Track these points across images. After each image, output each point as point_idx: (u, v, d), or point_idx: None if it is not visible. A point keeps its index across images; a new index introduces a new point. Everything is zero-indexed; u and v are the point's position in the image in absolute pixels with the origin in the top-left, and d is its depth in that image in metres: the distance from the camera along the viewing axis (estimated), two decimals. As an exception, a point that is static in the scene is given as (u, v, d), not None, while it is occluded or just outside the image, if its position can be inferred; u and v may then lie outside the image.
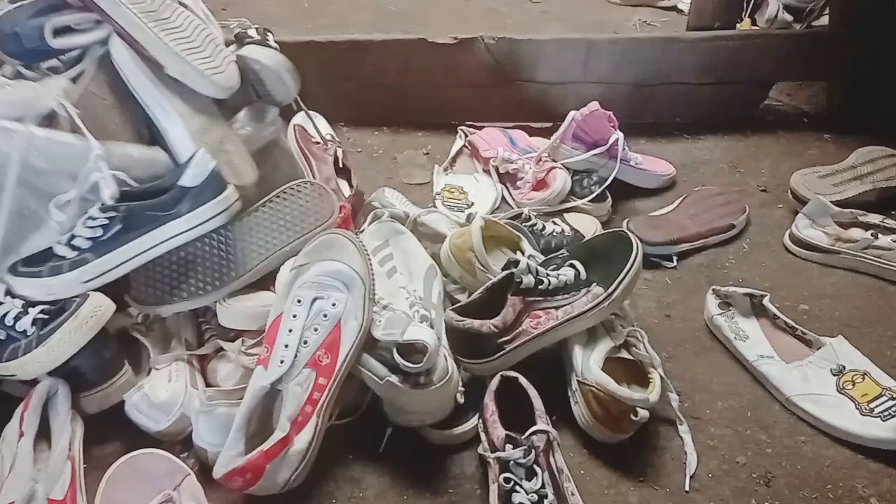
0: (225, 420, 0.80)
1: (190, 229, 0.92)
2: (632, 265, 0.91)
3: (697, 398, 0.97)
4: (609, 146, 1.29)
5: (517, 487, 0.75)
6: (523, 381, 0.86)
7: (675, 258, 1.22)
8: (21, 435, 0.80)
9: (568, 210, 1.26)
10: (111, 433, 0.88)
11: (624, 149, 1.31)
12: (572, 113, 1.29)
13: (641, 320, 1.09)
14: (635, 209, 1.34)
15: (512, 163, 1.33)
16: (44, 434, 0.82)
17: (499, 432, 0.80)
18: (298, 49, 1.42)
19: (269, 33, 1.15)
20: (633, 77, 1.53)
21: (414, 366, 0.80)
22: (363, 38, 1.53)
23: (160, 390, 0.84)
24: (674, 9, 2.28)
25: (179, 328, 0.94)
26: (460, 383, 0.89)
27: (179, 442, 0.86)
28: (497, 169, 1.34)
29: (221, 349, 0.90)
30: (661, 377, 0.90)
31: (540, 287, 0.91)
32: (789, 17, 1.81)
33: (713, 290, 1.09)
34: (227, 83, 0.99)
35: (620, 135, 1.30)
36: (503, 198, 1.33)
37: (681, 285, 1.17)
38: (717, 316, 1.06)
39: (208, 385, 0.91)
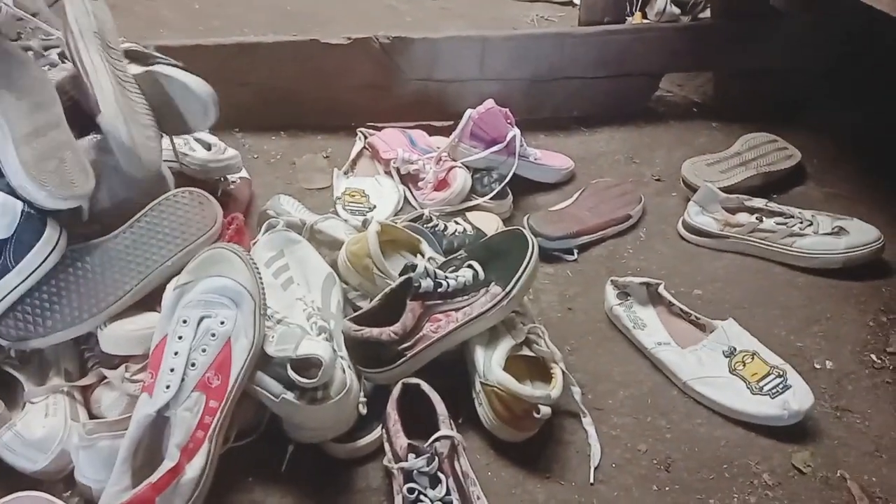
0: (108, 453, 0.75)
1: (23, 282, 0.85)
2: (528, 262, 0.92)
3: (600, 389, 0.99)
4: (507, 143, 1.30)
5: (421, 497, 0.74)
6: (425, 386, 0.85)
7: (575, 251, 1.23)
8: None
9: (470, 209, 1.26)
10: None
11: (522, 145, 1.33)
12: (469, 111, 1.29)
13: (544, 315, 1.10)
14: (536, 204, 1.36)
15: (412, 163, 1.31)
16: None
17: (401, 441, 0.78)
18: (186, 53, 1.35)
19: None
20: (529, 73, 1.55)
21: (309, 381, 0.77)
22: (254, 41, 1.48)
23: (35, 427, 0.78)
24: (569, 3, 2.32)
25: (58, 357, 0.88)
26: (362, 394, 0.87)
27: (61, 481, 0.80)
28: (398, 170, 1.33)
29: (104, 377, 0.85)
30: (563, 371, 0.91)
31: (439, 290, 0.90)
32: (677, 10, 1.87)
33: (611, 281, 1.11)
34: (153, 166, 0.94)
35: (517, 131, 1.31)
36: (406, 199, 1.32)
37: (582, 278, 1.19)
38: (616, 306, 1.08)
39: (92, 417, 0.85)
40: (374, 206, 1.28)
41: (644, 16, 1.92)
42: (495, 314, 0.91)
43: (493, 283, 0.92)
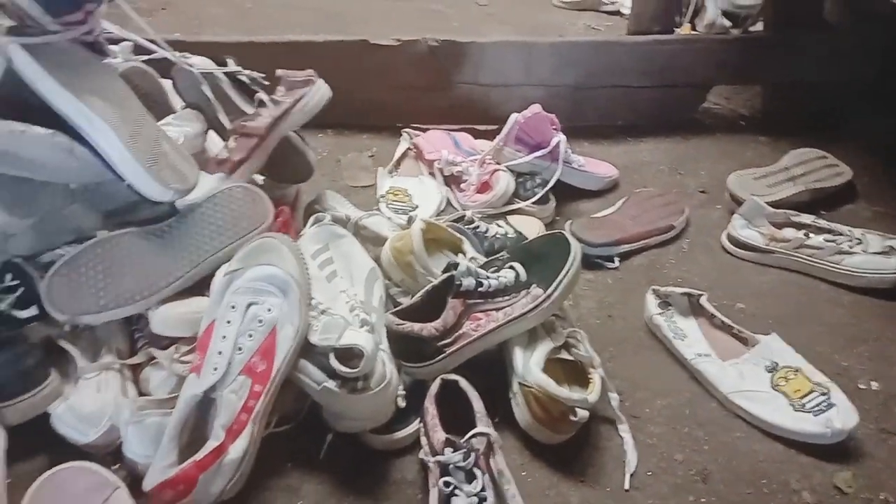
0: (156, 430, 0.78)
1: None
2: (570, 266, 0.92)
3: (637, 397, 0.98)
4: (551, 148, 1.30)
5: (457, 491, 0.75)
6: (464, 383, 0.86)
7: (616, 259, 1.23)
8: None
9: (511, 212, 1.27)
10: (36, 447, 0.84)
11: (566, 151, 1.33)
12: (514, 115, 1.30)
13: (583, 321, 1.10)
14: (578, 211, 1.36)
15: (456, 165, 1.33)
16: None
17: (439, 436, 0.79)
18: (239, 49, 1.39)
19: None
20: (574, 80, 1.55)
21: (351, 371, 0.79)
22: (305, 39, 1.51)
23: (87, 401, 0.81)
24: (617, 13, 2.32)
25: (110, 336, 0.90)
26: (401, 387, 0.88)
27: (109, 454, 0.83)
28: (441, 171, 1.34)
29: (153, 357, 0.87)
30: (601, 377, 0.91)
31: (480, 289, 0.91)
32: (727, 23, 1.85)
33: (653, 289, 1.10)
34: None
35: (562, 137, 1.31)
36: (448, 200, 1.33)
37: (622, 286, 1.19)
38: (656, 315, 1.08)
39: (141, 395, 0.88)
40: (417, 206, 1.30)
41: (693, 27, 1.91)
42: (536, 316, 0.91)
43: (534, 286, 0.92)
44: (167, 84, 1.17)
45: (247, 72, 1.16)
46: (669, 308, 1.09)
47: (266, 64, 1.44)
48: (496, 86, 1.53)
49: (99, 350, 0.89)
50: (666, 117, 1.63)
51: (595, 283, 1.19)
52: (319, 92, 1.14)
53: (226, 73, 1.14)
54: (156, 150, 0.89)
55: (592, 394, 0.87)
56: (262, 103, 1.10)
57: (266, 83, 1.18)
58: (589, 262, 1.20)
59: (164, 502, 0.75)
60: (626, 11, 2.22)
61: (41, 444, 0.85)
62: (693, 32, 1.87)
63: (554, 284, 0.90)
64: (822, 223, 1.23)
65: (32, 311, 0.86)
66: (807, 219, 1.24)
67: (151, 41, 1.04)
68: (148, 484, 0.74)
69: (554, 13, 2.36)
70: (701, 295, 1.08)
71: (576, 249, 0.93)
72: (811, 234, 1.21)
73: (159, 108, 1.10)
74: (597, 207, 1.36)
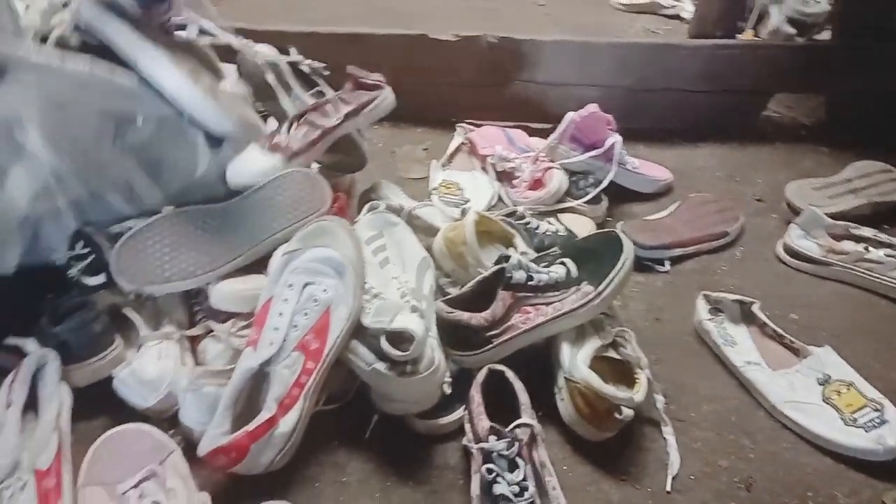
0: (212, 399, 0.81)
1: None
2: (622, 265, 0.92)
3: (683, 401, 0.97)
4: (606, 149, 1.30)
5: (499, 479, 0.76)
6: (510, 374, 0.86)
7: (667, 263, 1.22)
8: (9, 404, 0.81)
9: (563, 210, 1.27)
10: (99, 408, 0.89)
11: (621, 152, 1.32)
12: (570, 114, 1.30)
13: (631, 322, 1.09)
14: (630, 213, 1.35)
15: (509, 161, 1.33)
16: (32, 405, 0.82)
17: (483, 423, 0.80)
18: (302, 39, 1.42)
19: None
20: (631, 82, 1.54)
21: (401, 354, 0.80)
22: (366, 31, 1.54)
23: (149, 367, 0.85)
24: (676, 17, 2.30)
25: (171, 307, 0.94)
26: (448, 374, 0.89)
27: (166, 420, 0.86)
28: (494, 167, 1.35)
29: (211, 330, 0.91)
30: (648, 378, 0.91)
31: (530, 283, 0.92)
32: (792, 30, 1.81)
33: (703, 294, 1.09)
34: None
35: (618, 138, 1.31)
36: (499, 196, 1.34)
37: (672, 290, 1.18)
38: (706, 321, 1.07)
39: (198, 365, 0.91)
40: (468, 200, 1.31)
41: (756, 34, 1.87)
42: (585, 313, 0.91)
43: (584, 283, 0.92)
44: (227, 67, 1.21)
45: (308, 62, 1.19)
46: (720, 314, 1.08)
47: (326, 55, 1.47)
48: (553, 84, 1.53)
49: (160, 320, 0.93)
50: (724, 123, 1.61)
51: (645, 285, 1.18)
52: (387, 100, 1.16)
53: (288, 63, 1.17)
54: (213, 89, 0.92)
55: (638, 393, 0.87)
56: (322, 94, 1.13)
57: (326, 73, 1.21)
58: (639, 265, 1.20)
59: (216, 467, 0.78)
60: (687, 15, 2.21)
61: (103, 405, 0.89)
62: (756, 39, 1.84)
63: (605, 282, 0.90)
64: (884, 237, 1.20)
65: (101, 279, 0.90)
66: (868, 232, 1.21)
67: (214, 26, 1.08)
68: (202, 449, 0.77)
69: (612, 15, 2.35)
70: (753, 303, 1.06)
71: (629, 248, 0.93)
72: (871, 248, 1.18)
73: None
74: (649, 210, 1.35)
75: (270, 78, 1.13)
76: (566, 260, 0.95)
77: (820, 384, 0.95)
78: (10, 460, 0.74)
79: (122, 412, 0.86)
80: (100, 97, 0.89)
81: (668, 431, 0.91)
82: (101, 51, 0.92)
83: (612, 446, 0.89)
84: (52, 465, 0.76)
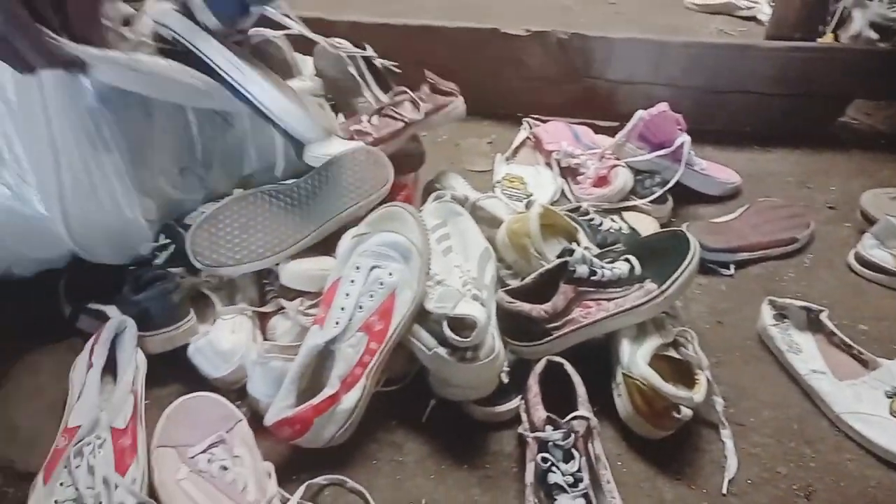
0: (279, 373, 0.84)
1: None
2: (688, 264, 0.91)
3: (743, 405, 0.96)
4: (674, 149, 1.28)
5: (553, 468, 0.76)
6: (569, 367, 0.87)
7: (732, 266, 1.20)
8: (90, 366, 0.85)
9: (627, 208, 1.26)
10: (172, 376, 0.93)
11: (689, 153, 1.30)
12: (640, 112, 1.29)
13: (693, 324, 1.08)
14: (696, 214, 1.33)
15: (574, 157, 1.33)
16: (110, 368, 0.87)
17: (540, 413, 0.81)
18: (374, 30, 1.46)
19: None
20: (704, 82, 1.52)
21: (463, 340, 0.82)
22: (437, 24, 1.56)
23: (223, 339, 0.89)
24: (753, 19, 2.24)
25: (245, 285, 0.98)
26: (506, 364, 0.90)
27: (234, 391, 0.90)
28: (559, 162, 1.35)
29: (281, 308, 0.94)
30: (708, 379, 0.90)
31: (593, 278, 0.92)
32: (874, 35, 1.75)
33: (769, 300, 1.07)
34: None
35: (687, 138, 1.29)
36: (563, 191, 1.34)
37: (736, 294, 1.16)
38: (770, 327, 1.05)
39: (266, 341, 0.94)
40: (531, 194, 1.31)
41: (836, 37, 1.81)
42: (647, 310, 0.91)
43: (648, 280, 0.92)
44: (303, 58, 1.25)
45: (381, 60, 1.22)
46: (785, 321, 1.05)
47: (398, 46, 1.50)
48: (622, 82, 1.52)
49: (235, 297, 0.97)
50: (798, 128, 1.56)
51: (708, 287, 1.17)
52: (458, 108, 1.21)
53: (363, 57, 1.20)
54: (298, 97, 0.96)
55: (698, 394, 0.87)
56: (402, 93, 1.16)
57: (398, 72, 1.24)
58: (703, 267, 1.17)
59: (281, 438, 0.81)
60: (763, 17, 2.15)
61: (176, 373, 0.93)
62: (836, 43, 1.79)
63: (669, 281, 0.90)
64: (964, 252, 1.15)
65: (181, 270, 0.95)
66: (946, 245, 1.17)
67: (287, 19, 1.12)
68: (268, 420, 0.80)
69: (685, 15, 2.31)
70: (821, 311, 1.04)
71: (695, 248, 0.92)
72: (950, 262, 1.14)
73: (284, 77, 1.18)
74: (715, 213, 1.33)
75: (353, 70, 1.16)
76: (630, 257, 0.94)
77: (888, 397, 0.93)
78: (91, 418, 0.78)
79: (194, 382, 0.90)
80: (185, 95, 0.94)
81: (726, 434, 0.90)
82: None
83: (667, 445, 0.89)
84: (128, 425, 0.80)
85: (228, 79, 0.95)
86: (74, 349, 0.90)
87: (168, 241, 0.96)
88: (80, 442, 0.76)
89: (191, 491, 0.74)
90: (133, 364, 0.87)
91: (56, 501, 0.72)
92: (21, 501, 0.77)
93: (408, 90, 1.17)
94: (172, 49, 0.95)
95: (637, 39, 1.52)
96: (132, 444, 0.79)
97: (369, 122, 1.07)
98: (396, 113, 1.11)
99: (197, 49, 0.92)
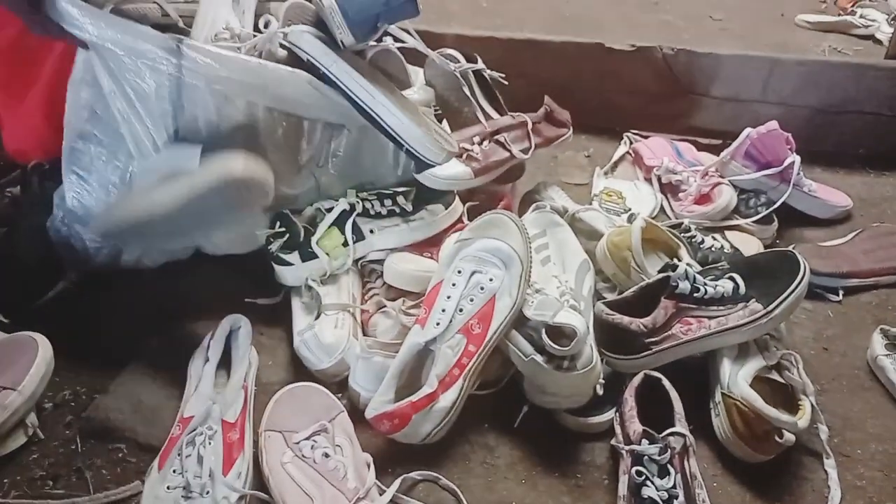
0: (380, 368, 0.87)
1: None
2: (797, 286, 0.89)
3: (848, 436, 0.92)
4: (783, 168, 1.25)
5: (647, 482, 0.76)
6: (666, 382, 0.86)
7: (841, 292, 1.15)
8: (206, 360, 0.91)
9: (730, 228, 1.23)
10: (279, 366, 0.98)
11: (798, 173, 1.26)
12: (748, 130, 1.26)
13: (796, 349, 1.04)
14: (802, 237, 1.29)
15: (676, 174, 1.32)
16: (226, 362, 0.93)
17: (636, 426, 0.81)
18: (479, 43, 1.49)
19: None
20: (816, 101, 1.47)
21: (561, 349, 0.83)
22: (541, 38, 1.57)
23: (327, 333, 0.93)
24: (870, 38, 2.13)
25: (350, 285, 1.02)
26: (601, 376, 0.90)
27: (335, 384, 0.94)
28: (659, 178, 1.34)
29: (383, 306, 0.98)
30: (813, 406, 0.87)
31: (695, 295, 0.91)
32: None
33: (881, 329, 1.03)
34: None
35: (797, 158, 1.25)
36: (661, 208, 1.32)
37: (844, 321, 1.11)
38: (882, 357, 1.00)
39: (367, 337, 0.98)
40: (630, 209, 1.30)
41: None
42: (751, 331, 0.89)
43: (753, 300, 0.90)
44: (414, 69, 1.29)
45: (490, 72, 1.25)
46: (899, 351, 1.00)
47: (503, 59, 1.53)
48: (729, 100, 1.49)
49: (340, 294, 1.01)
50: (918, 152, 1.48)
51: (814, 313, 1.12)
52: (567, 140, 1.23)
53: (473, 71, 1.23)
54: (423, 120, 0.99)
55: (802, 419, 0.84)
56: (520, 123, 1.19)
57: (505, 83, 1.26)
58: (810, 292, 1.12)
59: (380, 431, 0.84)
60: (883, 36, 2.04)
61: (282, 366, 0.99)
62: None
63: (777, 302, 0.88)
64: None
65: (295, 258, 1.00)
66: None
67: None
68: (369, 413, 0.84)
69: (795, 32, 2.22)
70: (940, 343, 0.98)
71: (806, 269, 0.90)
72: None
73: (400, 85, 1.22)
74: (822, 237, 1.28)
75: (466, 89, 1.19)
76: (734, 275, 0.93)
77: None
78: (205, 409, 0.83)
79: (298, 374, 0.96)
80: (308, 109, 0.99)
81: (829, 464, 0.87)
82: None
83: (766, 470, 0.87)
84: (238, 419, 0.85)
85: (358, 101, 0.98)
86: (194, 335, 0.97)
87: (282, 229, 1.01)
88: (192, 432, 0.81)
89: (295, 474, 0.78)
90: (246, 361, 0.92)
91: (168, 487, 0.77)
92: (140, 471, 0.83)
93: (527, 119, 1.19)
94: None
95: (747, 56, 1.49)
96: (240, 439, 0.83)
97: (480, 145, 1.10)
98: (508, 144, 1.13)
99: (329, 72, 0.96)
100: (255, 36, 0.98)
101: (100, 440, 0.86)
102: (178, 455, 0.79)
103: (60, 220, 1.01)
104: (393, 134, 0.97)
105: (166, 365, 0.95)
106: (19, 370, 0.85)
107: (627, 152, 1.46)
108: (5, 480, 0.82)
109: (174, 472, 0.78)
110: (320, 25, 0.96)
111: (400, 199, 1.04)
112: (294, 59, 0.98)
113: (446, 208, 1.06)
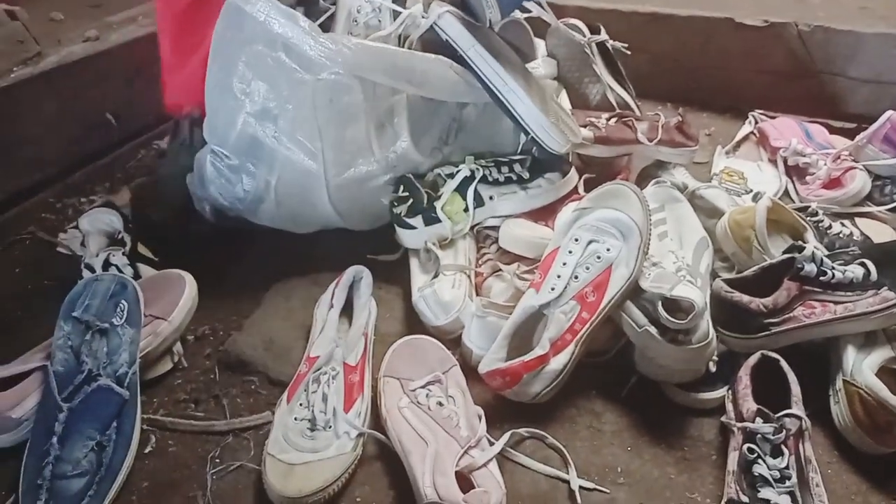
0: (493, 328, 0.90)
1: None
2: (936, 276, 0.84)
3: (980, 438, 0.87)
4: (926, 155, 1.17)
5: (760, 460, 0.76)
6: (784, 364, 0.85)
7: (982, 288, 1.08)
8: (331, 307, 0.97)
9: (861, 214, 1.17)
10: (396, 320, 1.03)
11: (944, 161, 1.19)
12: (889, 112, 1.19)
13: (926, 344, 0.99)
14: (940, 229, 1.21)
15: (804, 156, 1.26)
16: (347, 310, 0.99)
17: (750, 405, 0.80)
18: (601, 15, 1.47)
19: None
20: (969, 85, 1.36)
21: (677, 322, 0.83)
22: (667, 12, 1.54)
23: (445, 292, 0.97)
24: None
25: (466, 249, 1.06)
26: (715, 353, 0.89)
27: (449, 340, 0.98)
28: (786, 160, 1.29)
29: (498, 270, 1.01)
30: (945, 403, 0.83)
31: (822, 278, 0.88)
32: None
33: None
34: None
35: (944, 145, 1.17)
36: (786, 190, 1.28)
37: (983, 319, 1.04)
38: None
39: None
40: (752, 190, 1.27)
41: None
42: (880, 319, 0.86)
43: (885, 288, 0.86)
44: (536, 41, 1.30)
45: (612, 42, 1.24)
46: None
47: (625, 32, 1.50)
48: (867, 81, 1.41)
49: (457, 257, 1.04)
50: None
51: (949, 308, 1.06)
52: (686, 157, 1.21)
53: (596, 43, 1.23)
54: (551, 108, 1.01)
55: (931, 414, 0.80)
56: (654, 115, 1.21)
57: (628, 53, 1.25)
58: (946, 285, 1.07)
59: (491, 387, 0.88)
60: None
61: (399, 319, 1.04)
62: None
63: (912, 291, 0.84)
64: None
65: (419, 221, 1.05)
66: None
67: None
68: (482, 368, 0.87)
69: (947, 11, 2.05)
70: None
71: (948, 260, 0.85)
72: None
73: (525, 58, 1.23)
74: (966, 230, 1.20)
75: (588, 59, 1.19)
76: (866, 261, 0.89)
77: None
78: (328, 351, 0.89)
79: (414, 327, 1.01)
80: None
81: (957, 464, 0.83)
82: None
83: (885, 462, 0.84)
84: (358, 363, 0.90)
85: (491, 86, 1.01)
86: (319, 283, 1.04)
87: (405, 193, 1.05)
88: (318, 371, 0.87)
89: (411, 418, 0.83)
90: (367, 310, 0.98)
91: (295, 418, 0.84)
92: (270, 403, 0.91)
93: (660, 114, 1.19)
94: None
95: (892, 35, 1.39)
96: (360, 381, 0.89)
97: (607, 121, 1.10)
98: (634, 126, 1.13)
99: (467, 56, 1.00)
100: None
101: (235, 372, 0.95)
102: (305, 390, 0.86)
103: (199, 181, 1.09)
104: (520, 120, 0.99)
105: (294, 308, 1.02)
106: (169, 303, 0.95)
107: (752, 132, 1.41)
108: (154, 400, 0.92)
109: (301, 405, 0.85)
110: (459, 4, 0.99)
111: (517, 167, 1.06)
112: (432, 36, 1.02)
113: (563, 177, 1.07)
